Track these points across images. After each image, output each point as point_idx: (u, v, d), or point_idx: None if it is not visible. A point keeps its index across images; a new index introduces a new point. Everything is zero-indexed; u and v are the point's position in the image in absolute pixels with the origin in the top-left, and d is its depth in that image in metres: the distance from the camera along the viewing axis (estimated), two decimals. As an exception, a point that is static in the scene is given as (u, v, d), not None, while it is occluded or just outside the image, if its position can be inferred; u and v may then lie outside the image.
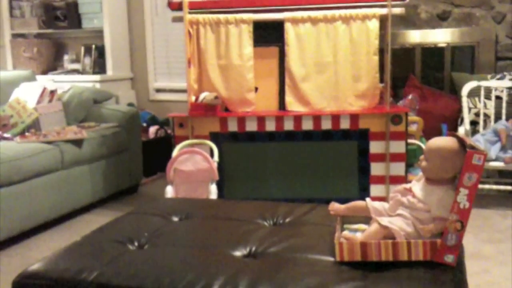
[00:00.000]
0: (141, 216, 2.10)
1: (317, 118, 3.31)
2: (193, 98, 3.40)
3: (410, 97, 4.24)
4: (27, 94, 3.91)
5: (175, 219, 2.03)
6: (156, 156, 4.49)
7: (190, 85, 3.41)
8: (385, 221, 1.58)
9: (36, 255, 2.79)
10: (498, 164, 3.53)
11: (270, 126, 3.34)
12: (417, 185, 1.65)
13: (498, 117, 3.82)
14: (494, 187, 3.69)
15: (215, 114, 3.34)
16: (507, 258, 2.81)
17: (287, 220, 1.95)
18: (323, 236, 1.73)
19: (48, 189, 3.39)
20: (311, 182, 3.38)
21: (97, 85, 4.92)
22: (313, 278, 1.46)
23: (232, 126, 3.36)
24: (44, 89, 3.96)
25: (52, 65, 5.48)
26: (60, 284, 1.56)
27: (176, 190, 3.15)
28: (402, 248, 1.51)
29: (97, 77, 5.05)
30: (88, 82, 4.92)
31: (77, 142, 3.64)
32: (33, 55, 5.32)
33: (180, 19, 3.43)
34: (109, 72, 5.18)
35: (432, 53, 4.77)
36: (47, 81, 4.56)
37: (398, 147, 3.29)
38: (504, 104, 3.77)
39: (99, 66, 5.21)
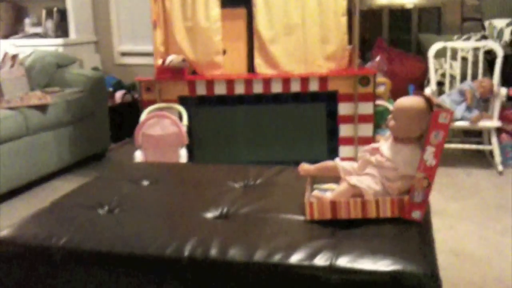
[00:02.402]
0: (110, 181, 2.08)
1: (286, 81, 3.30)
2: (160, 62, 3.34)
3: (377, 59, 4.26)
4: (-13, 59, 3.78)
5: (145, 183, 2.01)
6: (123, 121, 4.43)
7: (156, 48, 3.34)
8: (354, 180, 1.60)
9: (3, 222, 2.75)
10: (464, 124, 3.60)
11: (239, 89, 3.32)
12: (385, 145, 1.67)
13: (463, 78, 3.87)
14: (460, 146, 3.77)
15: (183, 77, 3.30)
16: (471, 215, 2.89)
17: (258, 182, 1.96)
18: (293, 197, 1.74)
19: (13, 156, 3.32)
20: (280, 145, 3.40)
21: (60, 49, 4.78)
22: (284, 237, 1.47)
23: (201, 90, 3.33)
24: (5, 54, 3.83)
25: (13, 29, 5.28)
26: (29, 250, 1.55)
27: (145, 155, 3.13)
28: (371, 206, 1.54)
29: (59, 40, 4.90)
30: (51, 46, 4.77)
31: (42, 108, 3.56)
32: (-8, 19, 5.12)
33: (144, -20, 3.35)
34: (72, 35, 5.03)
35: (399, 14, 4.78)
36: (8, 45, 4.41)
37: (366, 108, 3.32)
38: (469, 65, 3.82)
39: (62, 30, 5.05)
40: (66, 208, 1.78)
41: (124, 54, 5.28)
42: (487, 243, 2.54)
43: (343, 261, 1.33)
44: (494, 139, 3.60)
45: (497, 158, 3.57)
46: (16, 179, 3.35)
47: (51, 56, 4.18)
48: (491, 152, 3.69)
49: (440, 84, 4.01)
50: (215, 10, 3.29)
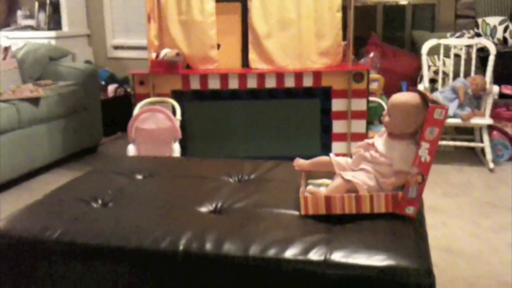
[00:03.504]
0: (104, 174, 2.08)
1: (280, 76, 3.30)
2: (153, 55, 3.33)
3: (371, 55, 4.27)
4: (-21, 51, 3.75)
5: (139, 177, 2.01)
6: (116, 115, 4.41)
7: (150, 41, 3.33)
8: (348, 175, 1.61)
9: (-5, 216, 2.73)
10: (456, 121, 3.62)
11: (233, 84, 3.31)
12: (379, 140, 1.67)
13: (456, 75, 3.89)
14: (451, 143, 3.79)
15: (177, 71, 3.29)
16: (463, 211, 2.91)
17: (252, 176, 1.96)
18: (287, 192, 1.75)
19: (5, 149, 3.29)
20: (274, 140, 3.40)
21: (53, 42, 4.76)
22: (278, 232, 1.47)
23: (195, 84, 3.32)
24: (-3, 45, 3.81)
25: (5, 21, 5.25)
26: (22, 243, 1.54)
27: (138, 149, 3.12)
28: (365, 201, 1.54)
29: (52, 33, 4.87)
30: (43, 38, 4.75)
31: (34, 101, 3.53)
32: (-16, 10, 5.08)
33: (139, -27, 3.33)
34: (65, 28, 5.01)
35: (393, 11, 4.79)
36: (0, 37, 4.37)
37: (359, 104, 3.33)
38: (462, 62, 3.83)
39: (54, 22, 5.02)
40: (60, 201, 1.77)
41: (116, 47, 5.26)
42: (478, 239, 2.56)
43: (338, 256, 1.34)
44: (485, 137, 3.62)
45: (489, 155, 3.60)
46: (7, 172, 3.33)
47: (43, 48, 4.16)
48: (482, 150, 3.71)
49: (433, 81, 4.02)
50: (210, 4, 3.28)
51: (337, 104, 3.33)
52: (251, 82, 3.31)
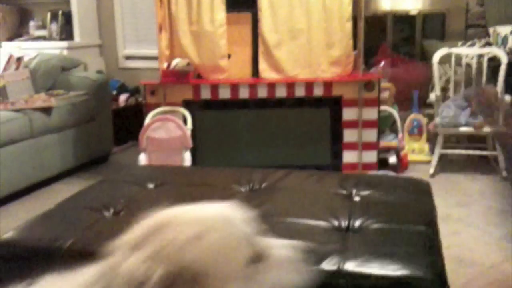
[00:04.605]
0: (115, 183, 2.08)
1: (290, 86, 3.30)
2: (165, 65, 3.35)
3: (382, 64, 4.27)
4: (-8, 62, 3.79)
5: (150, 186, 2.01)
6: (127, 124, 4.43)
7: (161, 51, 3.35)
8: None
9: (7, 225, 2.74)
10: (468, 130, 3.59)
11: (244, 94, 3.32)
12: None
13: (468, 84, 3.87)
14: (464, 152, 3.77)
15: (188, 81, 3.30)
16: (475, 220, 2.88)
17: (263, 186, 1.95)
18: (299, 201, 1.74)
19: (17, 158, 3.32)
20: (284, 149, 3.39)
21: (65, 52, 4.79)
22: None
23: (205, 94, 3.33)
24: (10, 56, 3.84)
25: (18, 31, 5.29)
26: (34, 252, 1.54)
27: (149, 158, 3.13)
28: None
29: (64, 43, 4.91)
30: (55, 49, 4.78)
31: (46, 110, 3.56)
32: (-3, 21, 5.13)
33: (150, -17, 3.36)
34: (77, 38, 5.04)
35: (403, 20, 4.79)
36: (13, 48, 4.41)
37: (370, 113, 3.32)
38: (473, 71, 3.81)
39: (66, 33, 5.06)
40: (72, 210, 1.77)
41: (128, 57, 5.29)
42: (491, 248, 2.54)
43: (351, 266, 1.33)
44: (498, 145, 3.59)
45: (501, 164, 3.56)
46: (19, 182, 3.35)
47: (55, 59, 4.20)
48: (495, 158, 3.68)
49: (444, 90, 4.00)
50: (221, 14, 3.29)
51: (348, 113, 3.32)
52: (261, 91, 3.31)
